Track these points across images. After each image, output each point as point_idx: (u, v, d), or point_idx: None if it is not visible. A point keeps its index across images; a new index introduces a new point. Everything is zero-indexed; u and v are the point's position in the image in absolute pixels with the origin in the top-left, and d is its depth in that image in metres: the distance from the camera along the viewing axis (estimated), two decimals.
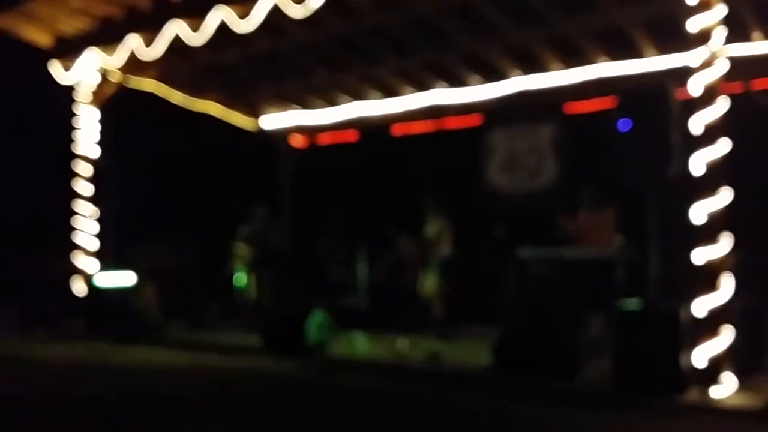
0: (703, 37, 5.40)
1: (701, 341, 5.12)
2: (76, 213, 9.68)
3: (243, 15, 7.67)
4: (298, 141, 12.33)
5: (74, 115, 9.85)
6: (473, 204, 9.93)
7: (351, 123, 11.27)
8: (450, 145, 10.38)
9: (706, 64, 5.36)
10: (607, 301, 5.86)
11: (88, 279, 9.40)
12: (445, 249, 8.43)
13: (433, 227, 8.52)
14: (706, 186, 5.25)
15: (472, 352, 6.55)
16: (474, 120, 10.41)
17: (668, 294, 5.49)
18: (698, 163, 5.27)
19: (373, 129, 11.14)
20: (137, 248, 10.13)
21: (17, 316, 9.55)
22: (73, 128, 9.83)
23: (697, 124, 5.32)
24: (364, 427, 4.54)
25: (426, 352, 6.52)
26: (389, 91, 10.48)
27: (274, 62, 9.76)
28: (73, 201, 9.70)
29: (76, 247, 9.66)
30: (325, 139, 12.08)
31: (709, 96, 5.33)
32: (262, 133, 11.99)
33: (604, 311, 5.92)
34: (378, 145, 11.11)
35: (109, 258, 9.42)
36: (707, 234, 5.22)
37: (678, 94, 5.48)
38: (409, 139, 11.00)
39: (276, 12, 7.40)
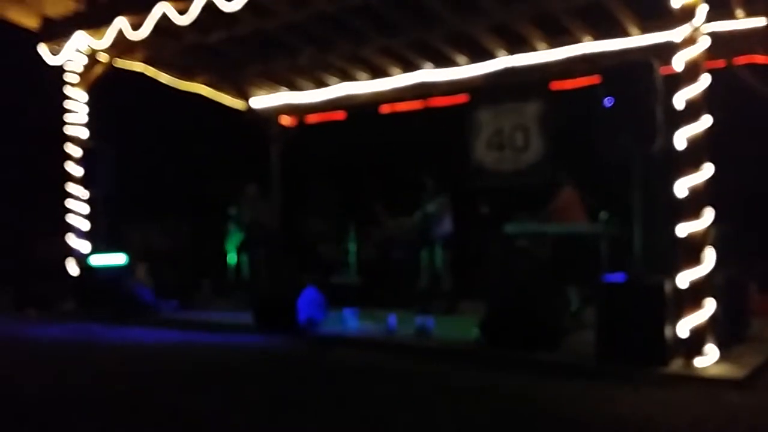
0: (686, 14, 5.46)
1: (684, 313, 5.24)
2: (68, 194, 9.72)
3: None
4: (287, 121, 12.36)
5: (65, 97, 9.84)
6: (460, 181, 10.01)
7: (339, 102, 11.30)
8: (437, 123, 10.45)
9: (689, 41, 5.43)
10: (591, 275, 5.97)
11: (80, 260, 9.46)
12: (446, 225, 8.65)
13: (434, 204, 8.67)
14: (689, 161, 5.35)
15: (461, 327, 6.67)
16: (461, 98, 10.47)
17: (652, 267, 5.60)
18: (681, 139, 5.37)
19: (361, 108, 11.18)
20: (129, 229, 10.18)
21: (11, 298, 9.61)
22: (64, 110, 9.83)
23: (680, 99, 5.40)
24: (356, 400, 4.65)
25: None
26: (376, 71, 10.51)
27: (261, 42, 9.76)
28: (64, 183, 9.73)
29: (69, 228, 9.70)
30: (313, 119, 12.12)
31: (692, 72, 5.40)
32: (251, 113, 12.00)
33: (589, 285, 6.04)
34: (366, 123, 11.17)
35: (101, 239, 9.46)
36: (690, 208, 5.33)
37: (661, 71, 5.54)
38: (396, 118, 11.07)
39: None
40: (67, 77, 9.85)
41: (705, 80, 5.38)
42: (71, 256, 9.62)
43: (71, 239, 9.67)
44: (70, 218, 9.70)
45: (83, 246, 9.63)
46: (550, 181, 8.08)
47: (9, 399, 4.74)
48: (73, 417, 4.25)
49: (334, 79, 11.02)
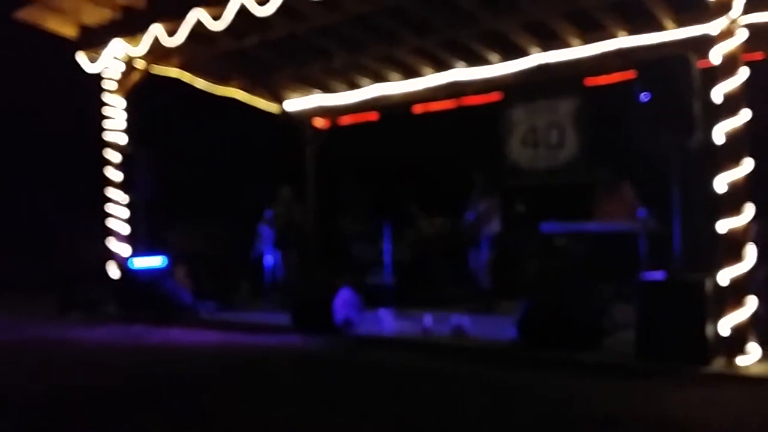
0: (723, 6, 5.37)
1: (726, 311, 5.16)
2: (108, 199, 9.92)
3: (262, 0, 7.75)
4: (320, 123, 12.44)
5: (103, 103, 10.05)
6: (496, 180, 9.97)
7: (372, 103, 11.34)
8: (470, 122, 10.42)
9: (726, 34, 5.34)
10: (631, 273, 5.91)
11: (121, 263, 9.65)
12: (494, 225, 8.63)
13: (482, 204, 8.67)
14: (728, 156, 5.26)
15: (498, 327, 6.65)
16: (494, 97, 10.43)
17: (692, 264, 5.52)
18: (720, 133, 5.28)
19: (393, 109, 11.20)
20: (168, 232, 10.35)
21: (55, 302, 9.85)
22: (103, 117, 10.03)
23: (718, 93, 5.32)
24: (392, 400, 4.67)
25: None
26: (409, 71, 10.51)
27: (294, 46, 9.84)
28: (105, 188, 9.94)
29: (110, 232, 9.91)
30: (346, 120, 12.18)
31: (729, 65, 5.32)
32: (285, 116, 12.11)
33: (628, 283, 5.97)
34: (399, 124, 11.18)
35: (141, 242, 9.65)
36: (730, 204, 5.24)
37: (698, 64, 5.46)
38: (429, 117, 11.06)
39: None
40: (105, 84, 10.05)
41: (743, 73, 5.29)
42: (112, 259, 9.83)
43: (112, 243, 9.87)
44: (111, 222, 9.91)
45: (124, 249, 9.82)
46: (586, 178, 8.00)
47: (54, 399, 4.86)
48: (116, 416, 4.35)
49: (367, 80, 11.06)
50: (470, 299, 8.49)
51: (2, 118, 13.48)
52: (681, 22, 8.07)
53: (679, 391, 4.63)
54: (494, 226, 8.65)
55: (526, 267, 8.41)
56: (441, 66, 10.23)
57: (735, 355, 5.11)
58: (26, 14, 9.31)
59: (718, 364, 5.08)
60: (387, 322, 7.42)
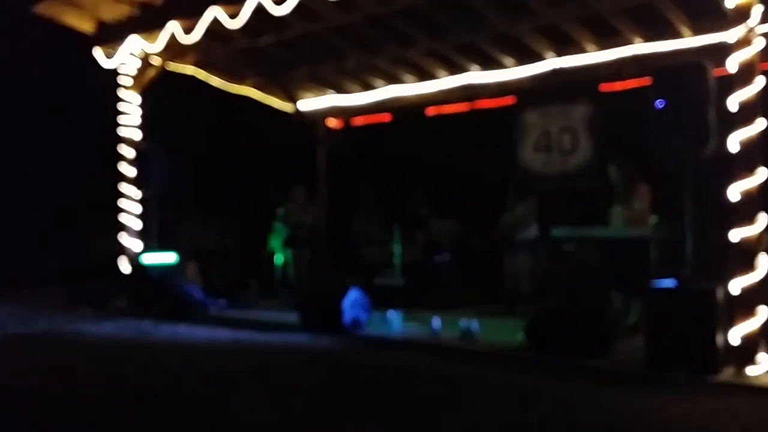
0: (741, 15, 5.35)
1: (736, 320, 5.13)
2: (121, 194, 9.98)
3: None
4: (333, 123, 12.46)
5: (118, 99, 10.11)
6: (507, 184, 9.96)
7: (385, 104, 11.34)
8: (483, 125, 10.40)
9: (744, 42, 5.32)
10: (641, 280, 5.88)
11: (133, 258, 9.70)
12: (533, 229, 8.59)
13: (521, 208, 8.66)
14: (743, 164, 5.23)
15: (507, 331, 6.64)
16: (508, 100, 10.41)
17: (703, 273, 5.49)
18: (734, 142, 5.26)
19: (406, 110, 11.20)
20: (180, 228, 10.40)
21: (66, 296, 9.91)
22: (117, 112, 10.09)
23: (733, 102, 5.30)
24: (399, 401, 4.67)
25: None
26: (423, 73, 10.52)
27: (309, 45, 9.87)
28: (118, 183, 9.99)
29: (122, 227, 9.96)
30: (359, 121, 12.20)
31: (746, 74, 5.30)
32: (298, 116, 12.14)
33: (639, 290, 5.94)
34: (412, 125, 11.18)
35: (152, 238, 9.70)
36: (743, 213, 5.22)
37: (714, 72, 5.44)
38: (442, 120, 11.05)
39: None
40: (121, 80, 10.11)
41: (760, 82, 5.27)
42: (124, 254, 9.88)
43: (124, 238, 9.93)
44: (123, 217, 9.97)
45: (135, 245, 9.88)
46: (598, 183, 7.97)
47: (62, 394, 4.90)
48: (119, 411, 4.37)
49: (381, 81, 11.07)
50: (490, 301, 8.46)
51: (15, 112, 13.58)
52: (698, 30, 8.02)
53: (688, 400, 4.60)
54: (532, 231, 8.59)
55: (536, 272, 8.38)
56: (455, 69, 10.22)
57: (745, 365, 5.08)
58: (44, 8, 9.38)
59: (727, 374, 5.04)
60: (395, 323, 7.42)
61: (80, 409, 4.43)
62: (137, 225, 9.94)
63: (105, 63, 9.81)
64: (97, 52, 9.80)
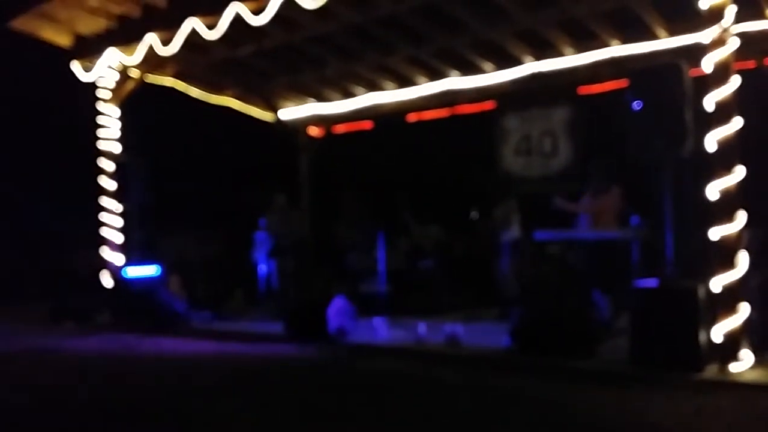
0: (715, 15, 5.41)
1: (719, 318, 5.17)
2: (102, 208, 9.90)
3: (257, 9, 7.75)
4: (315, 131, 12.46)
5: (97, 112, 10.04)
6: (488, 188, 9.99)
7: (366, 112, 11.37)
8: (464, 130, 10.45)
9: (718, 42, 5.38)
10: (623, 280, 5.92)
11: (115, 272, 9.62)
12: (515, 230, 8.58)
13: (500, 209, 8.67)
14: (720, 163, 5.29)
15: (492, 335, 6.64)
16: (488, 105, 10.46)
17: (685, 272, 5.53)
18: (712, 141, 5.31)
19: (387, 117, 11.23)
20: (162, 241, 10.32)
21: (48, 312, 9.79)
22: (97, 126, 10.02)
23: (710, 102, 5.35)
24: (387, 408, 4.66)
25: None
26: (403, 80, 10.55)
27: (289, 55, 9.86)
28: (98, 197, 9.91)
29: (103, 241, 9.88)
30: (341, 129, 12.20)
31: (721, 74, 5.35)
32: (279, 125, 12.13)
33: (621, 290, 5.98)
34: (393, 132, 11.21)
35: (134, 251, 9.61)
36: (722, 211, 5.26)
37: (690, 73, 5.49)
38: (423, 126, 11.09)
39: (289, 4, 7.46)
40: (100, 93, 10.05)
41: (735, 81, 5.33)
42: (106, 268, 9.79)
43: (106, 252, 9.84)
44: (105, 231, 9.88)
45: (117, 258, 9.80)
46: (579, 186, 8.02)
47: (49, 408, 4.84)
48: (101, 428, 4.33)
49: (361, 89, 11.09)
50: (506, 306, 8.44)
51: None
52: (673, 31, 8.12)
53: (672, 397, 4.63)
54: (513, 232, 8.57)
55: (519, 275, 8.39)
56: (435, 75, 10.27)
57: (728, 362, 5.12)
58: (21, 24, 9.29)
59: (711, 371, 5.08)
60: (381, 330, 7.40)
61: (60, 428, 4.37)
62: (119, 238, 9.86)
63: (83, 76, 9.74)
64: (75, 66, 9.73)
